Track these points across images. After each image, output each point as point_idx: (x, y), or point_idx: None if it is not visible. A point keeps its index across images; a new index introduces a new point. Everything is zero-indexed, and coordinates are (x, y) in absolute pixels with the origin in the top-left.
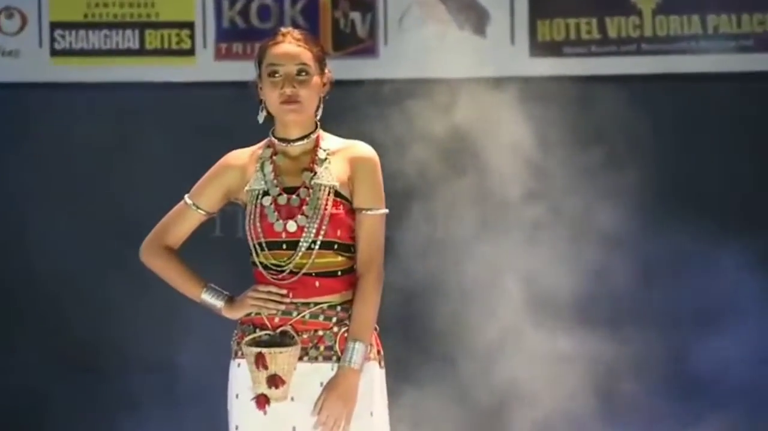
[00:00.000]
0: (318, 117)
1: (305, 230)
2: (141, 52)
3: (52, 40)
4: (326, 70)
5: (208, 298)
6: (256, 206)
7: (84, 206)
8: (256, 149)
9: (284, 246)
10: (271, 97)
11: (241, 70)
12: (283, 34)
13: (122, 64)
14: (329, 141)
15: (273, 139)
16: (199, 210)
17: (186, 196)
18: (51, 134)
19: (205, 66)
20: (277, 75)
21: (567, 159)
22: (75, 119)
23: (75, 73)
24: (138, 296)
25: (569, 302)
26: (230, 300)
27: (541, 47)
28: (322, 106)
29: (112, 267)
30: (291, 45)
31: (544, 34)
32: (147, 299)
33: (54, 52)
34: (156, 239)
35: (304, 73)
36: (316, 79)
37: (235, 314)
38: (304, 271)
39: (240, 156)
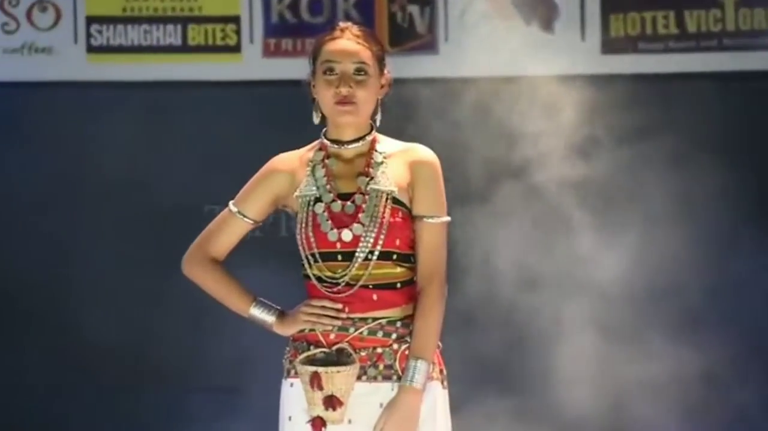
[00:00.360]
0: (377, 122)
1: (362, 239)
2: (183, 48)
3: (89, 35)
4: (386, 71)
5: (257, 313)
6: (307, 214)
7: (121, 213)
8: (306, 151)
9: (339, 257)
10: (326, 96)
11: (291, 68)
12: (342, 29)
13: (163, 61)
14: (385, 144)
15: (325, 141)
16: (246, 219)
17: (231, 203)
18: (85, 136)
19: (252, 64)
20: (332, 73)
21: (641, 162)
22: (111, 121)
23: (112, 71)
24: (180, 313)
25: (663, 320)
26: (281, 315)
27: (613, 43)
28: (380, 109)
29: (150, 278)
30: (349, 42)
31: (617, 30)
32: (190, 316)
33: (90, 49)
34: (199, 250)
35: (362, 73)
36: (374, 80)
37: (287, 330)
38: (360, 283)
39: (288, 159)
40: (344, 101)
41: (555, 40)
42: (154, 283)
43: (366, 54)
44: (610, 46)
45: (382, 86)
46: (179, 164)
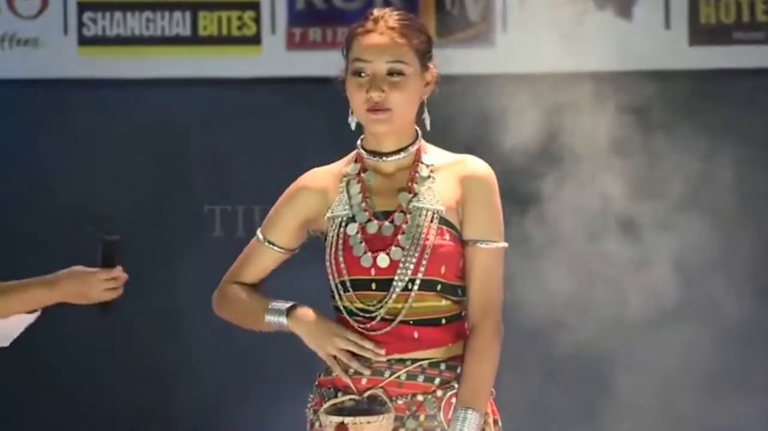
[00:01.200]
0: (427, 126)
1: (400, 265)
2: (193, 40)
3: (81, 25)
4: (431, 66)
5: (272, 319)
6: (338, 236)
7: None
8: (341, 165)
9: (374, 286)
10: (356, 101)
11: (319, 63)
12: (375, 20)
13: (169, 55)
14: (433, 155)
15: (362, 152)
16: (274, 247)
17: (258, 230)
18: (75, 140)
19: (274, 57)
20: (363, 74)
21: (736, 168)
22: (107, 126)
23: (108, 67)
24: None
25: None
26: (292, 310)
27: (704, 33)
28: (427, 112)
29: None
30: (383, 36)
31: (708, 16)
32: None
33: (82, 41)
34: (226, 284)
35: (397, 74)
36: (414, 79)
37: (304, 334)
38: (400, 318)
39: (320, 176)
40: (376, 108)
41: (634, 28)
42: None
43: (402, 50)
44: (699, 35)
45: (426, 84)
46: (190, 173)
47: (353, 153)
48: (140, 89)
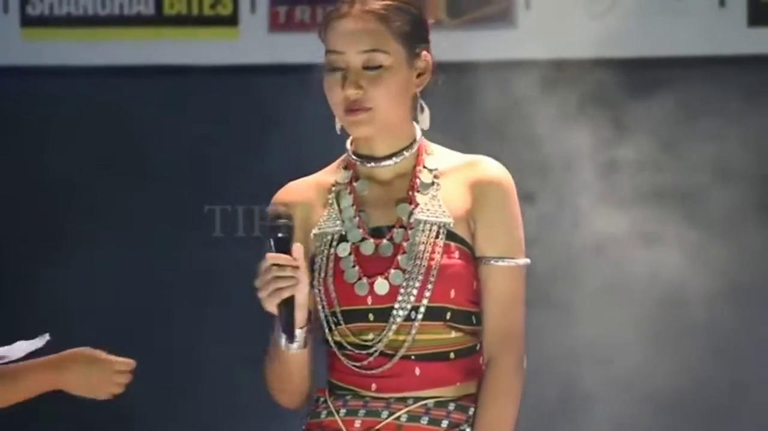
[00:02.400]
0: (424, 121)
1: (401, 291)
2: (158, 20)
3: (23, 3)
4: (422, 51)
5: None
6: (328, 259)
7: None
8: (325, 174)
9: (371, 317)
10: (332, 101)
11: (307, 47)
12: (350, 2)
13: (130, 38)
14: (438, 157)
15: (352, 157)
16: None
17: None
18: (23, 137)
19: (254, 41)
20: (336, 69)
21: None
22: (55, 120)
23: (57, 52)
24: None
25: None
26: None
27: (765, 12)
28: (425, 107)
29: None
30: (356, 21)
31: None
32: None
33: (26, 22)
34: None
35: (375, 66)
36: (398, 70)
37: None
38: (401, 353)
39: (297, 188)
40: (354, 108)
41: (682, 6)
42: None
43: (380, 37)
44: (760, 14)
45: (419, 74)
46: (157, 178)
47: (341, 159)
48: (94, 79)
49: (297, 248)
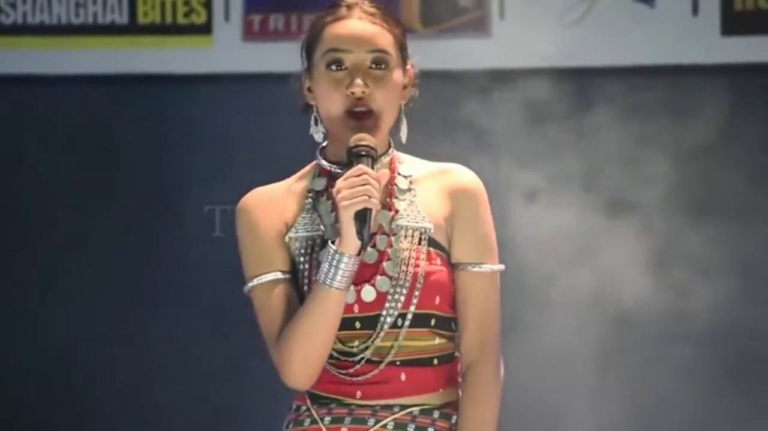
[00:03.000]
0: (404, 137)
1: (389, 297)
2: (132, 29)
3: None
4: (409, 64)
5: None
6: (310, 266)
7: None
8: (294, 181)
9: (358, 325)
10: (331, 100)
11: (282, 56)
12: (349, 6)
13: (104, 47)
14: (410, 165)
15: (324, 163)
16: (283, 274)
17: (250, 283)
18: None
19: (228, 50)
20: (341, 66)
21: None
22: (30, 129)
23: (31, 61)
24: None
25: None
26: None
27: (738, 21)
28: (404, 120)
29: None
30: (362, 22)
31: (744, 1)
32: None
33: None
34: (277, 342)
35: (382, 65)
36: (398, 75)
37: (349, 242)
38: (388, 359)
39: (270, 193)
40: (358, 108)
41: (656, 15)
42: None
43: (386, 39)
44: (733, 24)
45: (405, 86)
46: (130, 191)
47: (310, 166)
48: (68, 88)
49: (381, 173)
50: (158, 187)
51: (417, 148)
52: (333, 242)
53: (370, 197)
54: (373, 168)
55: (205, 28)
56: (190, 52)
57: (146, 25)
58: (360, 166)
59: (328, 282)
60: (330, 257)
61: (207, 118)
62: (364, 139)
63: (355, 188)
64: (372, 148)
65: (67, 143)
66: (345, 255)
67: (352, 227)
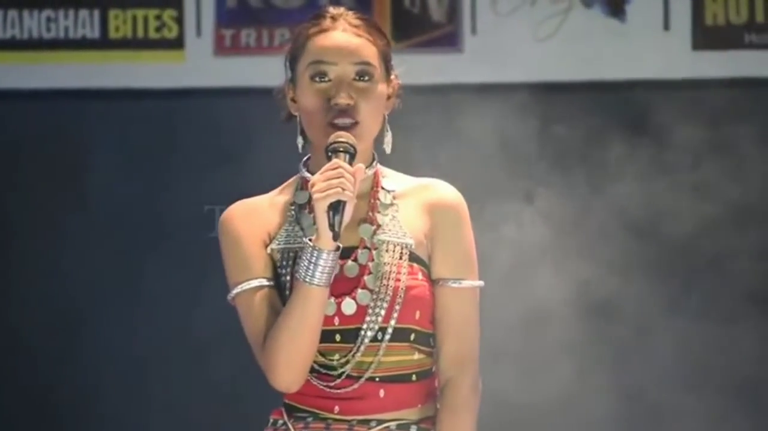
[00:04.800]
0: (388, 145)
1: (369, 311)
2: (103, 44)
3: None
4: (392, 76)
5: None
6: (291, 276)
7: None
8: (277, 194)
9: (337, 338)
10: (315, 111)
11: (254, 71)
12: (334, 17)
13: (75, 61)
14: (393, 179)
15: (307, 175)
16: (266, 281)
17: (234, 290)
18: None
19: (200, 64)
20: (325, 78)
21: (745, 193)
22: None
23: (1, 75)
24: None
25: None
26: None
27: (709, 36)
28: (388, 130)
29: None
30: (347, 34)
31: (714, 16)
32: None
33: None
34: (263, 345)
35: (366, 77)
36: (381, 88)
37: (325, 237)
38: (367, 375)
39: (253, 206)
40: (342, 118)
41: (627, 30)
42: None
43: (371, 51)
44: (704, 38)
45: (389, 97)
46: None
47: (293, 179)
48: (39, 102)
49: (357, 168)
50: (126, 202)
51: (387, 161)
52: (311, 240)
53: (344, 189)
54: (351, 164)
55: (177, 43)
56: (162, 67)
57: (118, 39)
58: (335, 160)
59: (307, 280)
60: (308, 254)
61: (179, 132)
62: (342, 136)
63: (329, 181)
64: (350, 144)
65: (37, 157)
66: (323, 251)
67: (327, 222)
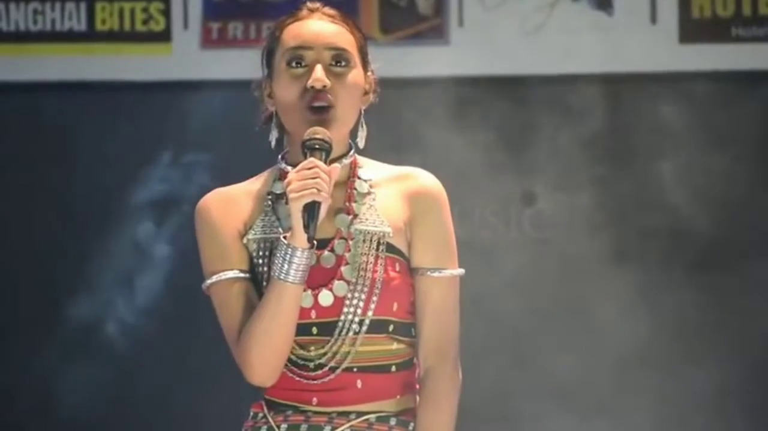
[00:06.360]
0: (362, 143)
1: (346, 302)
2: (90, 36)
3: None
4: (369, 71)
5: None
6: (268, 267)
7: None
8: (254, 183)
9: (314, 330)
10: (290, 96)
11: (241, 63)
12: (311, 9)
13: (62, 54)
14: (371, 168)
15: (285, 167)
16: (242, 274)
17: (209, 280)
18: None
19: (187, 57)
20: (302, 63)
21: (729, 185)
22: None
23: None
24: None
25: None
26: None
27: (696, 29)
28: (364, 125)
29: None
30: (322, 21)
31: (701, 9)
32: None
33: None
34: (238, 340)
35: (342, 63)
36: (358, 74)
37: (299, 235)
38: (344, 365)
39: (229, 195)
40: (318, 99)
41: (614, 23)
42: None
43: (347, 39)
44: (691, 31)
45: (366, 92)
46: (87, 199)
47: (270, 170)
48: (25, 94)
49: (333, 167)
50: (109, 193)
51: (369, 153)
52: (285, 237)
53: (319, 190)
54: (326, 162)
55: (164, 36)
56: (149, 59)
57: (104, 32)
58: (311, 159)
59: (282, 277)
60: (283, 251)
61: (165, 125)
62: (318, 132)
63: (305, 181)
64: (326, 141)
65: (23, 150)
66: (297, 249)
67: (302, 222)
